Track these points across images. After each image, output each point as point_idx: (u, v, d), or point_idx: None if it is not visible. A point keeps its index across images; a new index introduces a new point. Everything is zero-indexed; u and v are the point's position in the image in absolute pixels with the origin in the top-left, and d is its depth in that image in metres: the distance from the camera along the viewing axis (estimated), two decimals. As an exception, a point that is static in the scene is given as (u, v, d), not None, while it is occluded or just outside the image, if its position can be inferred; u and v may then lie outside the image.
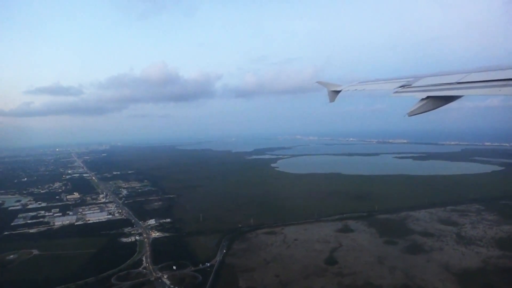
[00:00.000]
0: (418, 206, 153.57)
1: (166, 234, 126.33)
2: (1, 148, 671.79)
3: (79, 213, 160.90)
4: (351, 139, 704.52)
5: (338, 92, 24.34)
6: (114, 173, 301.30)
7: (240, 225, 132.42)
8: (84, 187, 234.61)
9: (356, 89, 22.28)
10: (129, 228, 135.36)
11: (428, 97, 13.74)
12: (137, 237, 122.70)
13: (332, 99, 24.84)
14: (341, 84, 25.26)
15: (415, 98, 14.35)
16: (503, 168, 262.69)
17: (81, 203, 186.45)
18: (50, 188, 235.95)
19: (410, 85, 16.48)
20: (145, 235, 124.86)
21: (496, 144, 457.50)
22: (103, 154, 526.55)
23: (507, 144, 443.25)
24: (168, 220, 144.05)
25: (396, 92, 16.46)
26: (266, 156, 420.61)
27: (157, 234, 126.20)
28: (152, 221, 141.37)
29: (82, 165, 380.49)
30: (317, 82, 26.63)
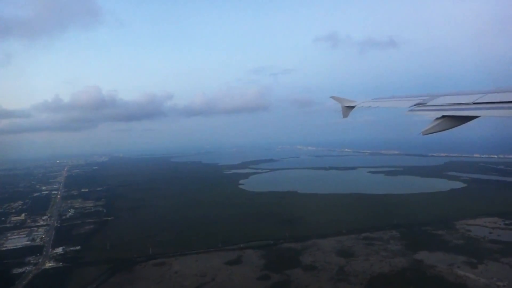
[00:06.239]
0: (332, 233, 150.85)
1: (60, 265, 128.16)
2: (5, 160, 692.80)
3: (4, 238, 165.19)
4: (346, 150, 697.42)
5: (351, 107, 24.47)
6: (83, 190, 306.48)
7: (135, 255, 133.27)
8: (39, 207, 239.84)
9: (370, 106, 22.50)
10: (34, 256, 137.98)
11: (443, 117, 13.70)
12: (28, 268, 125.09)
13: (345, 115, 24.99)
14: (355, 100, 25.49)
15: (429, 117, 14.40)
16: (465, 185, 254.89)
17: (20, 225, 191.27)
18: (8, 207, 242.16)
19: (425, 103, 16.64)
20: (39, 266, 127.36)
21: (485, 155, 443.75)
22: (94, 167, 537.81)
23: (495, 156, 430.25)
24: (78, 247, 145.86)
25: (411, 110, 16.68)
26: (245, 170, 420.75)
27: (50, 264, 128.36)
28: (60, 249, 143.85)
29: (62, 180, 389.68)
30: (331, 97, 27.00)
